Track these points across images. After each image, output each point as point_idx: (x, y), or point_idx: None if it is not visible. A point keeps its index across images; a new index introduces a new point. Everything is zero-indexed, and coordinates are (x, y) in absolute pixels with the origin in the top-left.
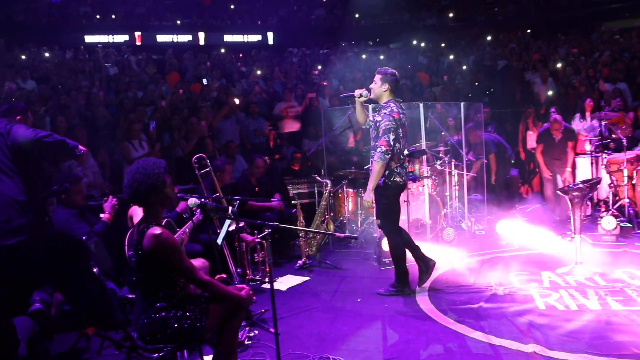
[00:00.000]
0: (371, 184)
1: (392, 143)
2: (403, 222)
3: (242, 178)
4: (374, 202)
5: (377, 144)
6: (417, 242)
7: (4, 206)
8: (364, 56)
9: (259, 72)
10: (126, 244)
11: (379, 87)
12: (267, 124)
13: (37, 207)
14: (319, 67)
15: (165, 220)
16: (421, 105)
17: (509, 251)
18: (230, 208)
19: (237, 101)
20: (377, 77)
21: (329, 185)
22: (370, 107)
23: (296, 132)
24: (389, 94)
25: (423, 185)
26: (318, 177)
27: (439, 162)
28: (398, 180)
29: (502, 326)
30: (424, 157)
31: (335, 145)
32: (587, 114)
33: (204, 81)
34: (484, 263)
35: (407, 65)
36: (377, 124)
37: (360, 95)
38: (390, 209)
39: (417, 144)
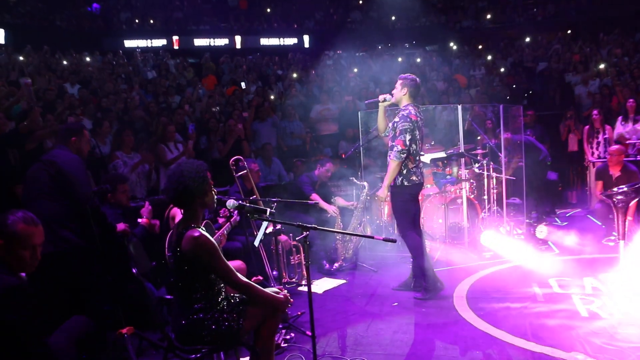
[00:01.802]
0: (386, 181)
1: (408, 143)
2: (441, 225)
3: (305, 179)
4: (390, 201)
5: (393, 143)
6: (454, 246)
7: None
8: (400, 59)
9: (295, 75)
10: (166, 245)
11: (399, 92)
12: (303, 127)
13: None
14: (355, 70)
15: (204, 222)
16: (459, 107)
17: (549, 256)
18: (268, 210)
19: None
20: (398, 82)
21: (366, 187)
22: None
23: (333, 135)
24: (408, 98)
25: (461, 189)
26: (355, 180)
27: (477, 165)
28: (414, 179)
29: (542, 333)
30: (462, 159)
31: (373, 147)
32: (631, 116)
33: (242, 85)
34: (523, 268)
35: (443, 68)
36: (395, 125)
37: (384, 100)
38: (406, 209)
39: (455, 147)
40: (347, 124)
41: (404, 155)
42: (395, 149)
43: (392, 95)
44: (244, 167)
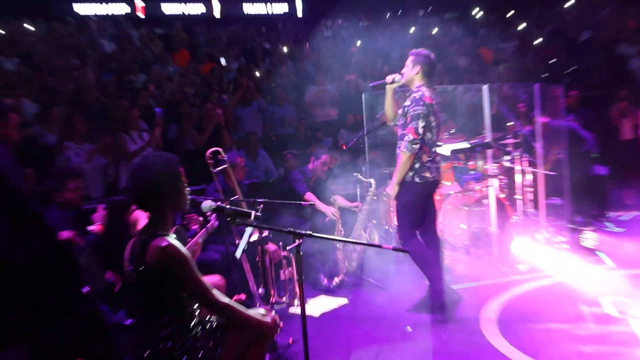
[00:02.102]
0: (395, 177)
1: (421, 131)
2: (463, 232)
3: (298, 175)
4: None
5: (404, 132)
6: (480, 257)
7: None
8: (412, 30)
9: (285, 50)
10: (126, 257)
11: (410, 70)
12: (295, 112)
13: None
14: (358, 44)
15: (174, 228)
16: (484, 87)
17: (599, 270)
18: (252, 213)
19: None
20: (409, 59)
21: (373, 185)
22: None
23: (331, 121)
24: (421, 78)
25: (488, 187)
26: (360, 176)
27: (507, 157)
28: (427, 176)
29: None
30: (489, 151)
31: (379, 137)
32: None
33: (222, 61)
34: (566, 284)
35: (465, 40)
36: (405, 110)
37: (393, 81)
38: (412, 209)
39: (481, 136)
40: (348, 108)
41: (416, 146)
42: (406, 138)
43: (402, 75)
44: (224, 161)
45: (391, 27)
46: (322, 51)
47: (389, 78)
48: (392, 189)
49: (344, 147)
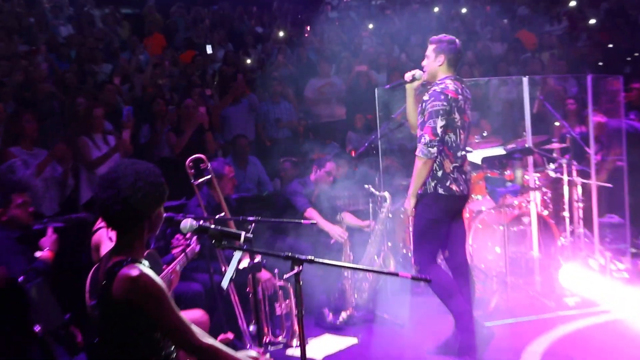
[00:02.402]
0: (411, 188)
1: (440, 132)
2: (499, 257)
3: (298, 188)
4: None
5: (421, 132)
6: (519, 287)
7: None
8: (436, 9)
9: (282, 35)
10: (87, 288)
11: (432, 62)
12: (294, 111)
13: None
14: (370, 27)
15: (147, 252)
16: (525, 80)
17: None
18: (242, 234)
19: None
20: (430, 48)
21: (388, 200)
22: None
23: (338, 122)
24: (445, 69)
25: (528, 202)
26: (372, 189)
27: (552, 165)
28: (454, 188)
29: None
30: (530, 158)
31: (395, 141)
32: None
33: (208, 49)
34: (627, 323)
35: (501, 21)
36: (423, 106)
37: (413, 79)
38: (434, 228)
39: (520, 139)
40: (358, 106)
41: (433, 150)
42: (422, 140)
43: (423, 69)
44: (208, 170)
45: (410, 6)
46: (326, 36)
47: (408, 75)
48: (409, 203)
49: (353, 154)
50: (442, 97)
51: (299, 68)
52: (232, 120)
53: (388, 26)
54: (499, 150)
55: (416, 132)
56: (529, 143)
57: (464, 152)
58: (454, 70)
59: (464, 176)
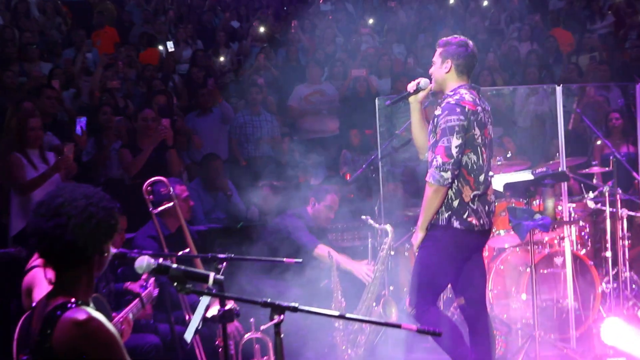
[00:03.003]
0: (420, 220)
1: (455, 152)
2: (525, 305)
3: (297, 222)
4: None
5: (433, 154)
6: (551, 344)
7: None
8: (451, 1)
9: (262, 30)
10: (16, 337)
11: (439, 69)
12: (277, 123)
13: None
14: (371, 22)
15: (93, 296)
16: (558, 89)
17: None
18: (211, 275)
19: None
20: (437, 53)
21: (390, 235)
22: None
23: (329, 138)
24: (456, 77)
25: (562, 238)
26: (370, 221)
27: (592, 194)
28: (473, 222)
29: None
30: (564, 185)
31: (399, 163)
32: None
33: (169, 46)
34: None
35: (530, 17)
36: (436, 122)
37: (417, 89)
38: (439, 269)
39: (552, 162)
40: (354, 119)
41: (447, 175)
42: (434, 162)
43: (430, 77)
44: (169, 195)
45: None
46: (317, 33)
47: (411, 85)
48: (417, 238)
49: (348, 177)
50: (458, 109)
51: (283, 72)
52: (200, 134)
53: (392, 22)
54: (526, 175)
55: (425, 155)
56: (562, 166)
57: (487, 177)
58: (467, 78)
59: (486, 207)
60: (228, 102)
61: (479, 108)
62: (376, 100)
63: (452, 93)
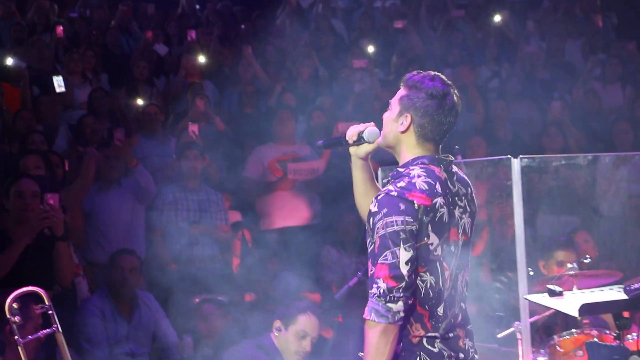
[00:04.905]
0: None
1: (406, 272)
2: None
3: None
4: None
5: (372, 274)
6: None
7: None
8: (497, 19)
9: (201, 60)
10: None
11: (392, 121)
12: (223, 205)
13: None
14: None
15: None
16: None
17: None
18: None
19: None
20: (397, 94)
21: None
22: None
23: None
24: (415, 143)
25: None
26: None
27: None
28: None
29: None
30: None
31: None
32: None
33: (57, 82)
34: None
35: (620, 45)
36: (371, 222)
37: (360, 139)
38: None
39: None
40: (344, 199)
41: (399, 307)
42: (375, 290)
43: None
44: (50, 315)
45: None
46: (286, 65)
47: (350, 134)
48: None
49: (335, 291)
50: (403, 206)
51: (234, 124)
52: (102, 219)
53: (401, 51)
54: (615, 293)
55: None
56: None
57: (454, 307)
58: (435, 147)
59: (458, 356)
60: (146, 168)
61: (438, 200)
62: (379, 173)
63: (401, 169)
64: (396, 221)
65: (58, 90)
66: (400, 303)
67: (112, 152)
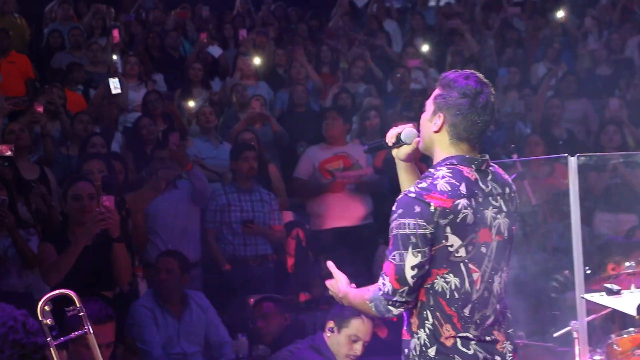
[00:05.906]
0: (351, 296)
1: (410, 277)
2: None
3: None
4: None
5: (382, 267)
6: None
7: None
8: (560, 15)
9: (257, 61)
10: None
11: (427, 121)
12: (277, 205)
13: None
14: (425, 50)
15: None
16: None
17: None
18: None
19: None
20: (432, 95)
21: None
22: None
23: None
24: (448, 143)
25: None
26: None
27: None
28: None
29: None
30: None
31: None
32: None
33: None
34: None
35: None
36: (390, 220)
37: (398, 141)
38: None
39: None
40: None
41: (397, 312)
42: (380, 285)
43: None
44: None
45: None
46: (340, 65)
47: (390, 136)
48: (339, 289)
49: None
50: (418, 208)
51: (288, 124)
52: (158, 221)
53: (456, 50)
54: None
55: None
56: None
57: (484, 309)
58: (470, 147)
59: (494, 358)
60: (200, 170)
61: (461, 202)
62: None
63: (432, 169)
64: (408, 224)
65: (114, 92)
66: (401, 309)
67: (168, 154)
